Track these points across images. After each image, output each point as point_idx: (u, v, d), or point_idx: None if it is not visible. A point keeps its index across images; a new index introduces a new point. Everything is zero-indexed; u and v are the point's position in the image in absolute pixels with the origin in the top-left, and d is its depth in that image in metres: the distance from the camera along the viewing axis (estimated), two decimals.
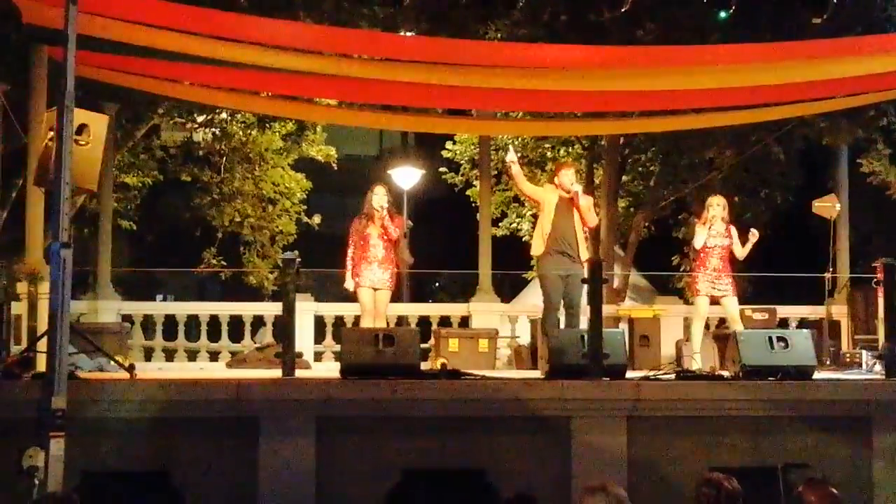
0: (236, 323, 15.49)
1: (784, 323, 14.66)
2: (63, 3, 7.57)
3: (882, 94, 12.41)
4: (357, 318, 14.75)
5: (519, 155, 20.37)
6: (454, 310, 16.08)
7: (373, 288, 10.84)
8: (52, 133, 8.13)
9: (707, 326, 12.85)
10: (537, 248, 10.79)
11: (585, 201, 10.74)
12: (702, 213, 11.41)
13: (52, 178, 7.62)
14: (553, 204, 10.69)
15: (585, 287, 9.42)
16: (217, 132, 20.00)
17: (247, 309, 15.74)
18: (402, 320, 15.07)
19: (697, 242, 11.08)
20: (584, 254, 10.62)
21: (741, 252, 11.06)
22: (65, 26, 7.50)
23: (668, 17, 14.39)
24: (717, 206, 11.10)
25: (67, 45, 7.45)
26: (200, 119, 19.53)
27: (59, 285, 7.23)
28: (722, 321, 13.30)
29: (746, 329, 10.72)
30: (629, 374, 9.42)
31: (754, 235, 11.00)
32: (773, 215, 19.51)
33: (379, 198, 10.86)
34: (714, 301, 11.07)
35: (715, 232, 11.05)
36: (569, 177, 10.77)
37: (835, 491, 6.19)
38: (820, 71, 10.72)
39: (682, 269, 19.31)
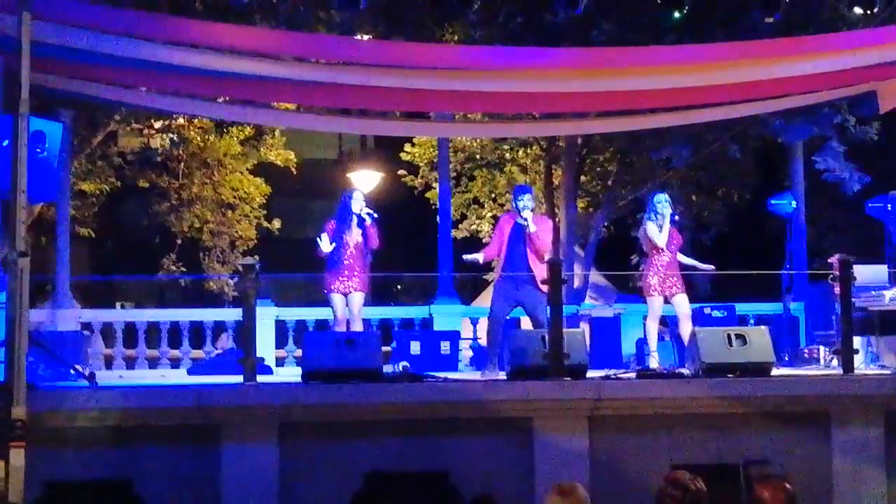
0: (197, 329, 15.43)
1: (742, 320, 14.78)
2: (16, 10, 7.53)
3: (835, 91, 12.53)
4: (319, 322, 14.86)
5: (477, 156, 20.55)
6: (416, 312, 16.11)
7: (344, 293, 10.86)
8: (6, 142, 8.07)
9: (666, 324, 12.93)
10: (496, 272, 10.95)
11: (535, 227, 10.57)
12: (648, 211, 11.38)
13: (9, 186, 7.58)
14: (507, 230, 10.72)
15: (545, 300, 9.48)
16: (175, 138, 19.91)
17: (207, 315, 15.69)
18: (363, 323, 15.07)
19: (661, 241, 11.07)
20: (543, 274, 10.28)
21: (684, 259, 11.22)
22: (19, 33, 7.46)
23: (622, 17, 14.47)
24: (666, 204, 11.12)
25: (21, 53, 7.41)
26: (158, 125, 19.45)
27: (16, 295, 7.19)
28: None
29: (704, 327, 10.82)
30: (590, 373, 9.47)
31: (707, 267, 11.19)
32: (731, 213, 19.67)
33: (359, 204, 10.89)
34: (667, 300, 11.13)
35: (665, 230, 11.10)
36: (523, 202, 10.66)
37: (788, 486, 6.25)
38: (773, 70, 10.82)
39: (640, 268, 19.40)
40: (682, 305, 11.12)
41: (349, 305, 10.90)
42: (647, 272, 11.24)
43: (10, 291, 7.28)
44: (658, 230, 11.05)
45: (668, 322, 12.95)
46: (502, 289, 10.71)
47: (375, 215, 10.92)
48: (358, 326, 10.91)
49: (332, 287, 10.86)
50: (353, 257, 10.84)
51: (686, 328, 10.84)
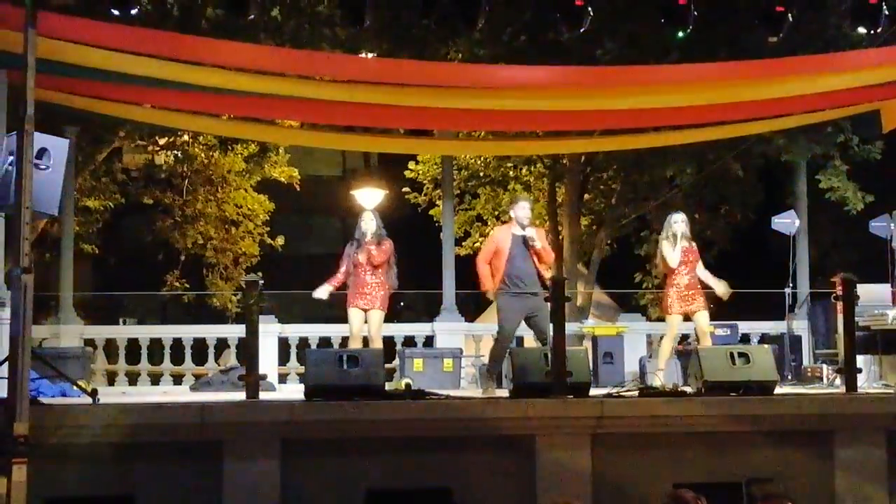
0: (200, 346, 15.42)
1: (746, 338, 14.76)
2: (21, 27, 7.56)
3: (839, 110, 12.58)
4: (322, 340, 14.86)
5: (481, 174, 20.56)
6: (418, 329, 16.09)
7: (363, 309, 10.90)
8: (11, 157, 8.10)
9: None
10: (490, 284, 10.70)
11: (539, 241, 10.61)
12: (662, 230, 11.36)
13: (13, 202, 7.60)
14: (508, 242, 10.59)
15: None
16: (179, 154, 19.92)
17: (210, 331, 15.68)
18: (366, 341, 15.05)
19: (673, 262, 10.99)
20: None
21: (703, 273, 11.07)
22: (24, 50, 7.49)
23: (626, 36, 14.50)
24: (681, 223, 11.04)
25: (27, 70, 7.44)
26: (162, 142, 19.46)
27: (20, 310, 7.20)
28: (684, 337, 13.38)
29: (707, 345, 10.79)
30: (593, 391, 9.46)
31: (722, 289, 11.07)
32: (734, 232, 19.64)
33: (365, 223, 10.98)
34: (687, 318, 11.05)
35: (682, 248, 11.02)
36: (524, 210, 10.66)
37: None
38: (777, 89, 10.85)
39: (644, 286, 19.41)
40: (701, 322, 11.01)
41: (368, 323, 10.94)
42: (667, 291, 11.13)
43: (13, 307, 7.29)
44: (671, 250, 10.96)
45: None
46: (511, 304, 10.58)
47: (370, 230, 10.91)
48: (377, 344, 10.88)
49: (350, 302, 10.94)
50: (369, 274, 10.86)
51: (705, 346, 10.71)
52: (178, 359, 15.41)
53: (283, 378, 14.88)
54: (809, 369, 12.89)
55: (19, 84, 7.60)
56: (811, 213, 17.12)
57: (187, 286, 20.40)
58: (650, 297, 19.46)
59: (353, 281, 10.95)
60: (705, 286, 11.07)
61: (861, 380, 9.94)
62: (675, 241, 10.96)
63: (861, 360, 10.53)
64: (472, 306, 19.86)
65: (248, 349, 9.23)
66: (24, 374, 7.15)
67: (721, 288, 11.08)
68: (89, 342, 14.76)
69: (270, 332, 14.34)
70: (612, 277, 20.27)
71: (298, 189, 21.62)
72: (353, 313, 10.94)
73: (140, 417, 8.29)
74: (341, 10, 10.34)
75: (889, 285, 12.74)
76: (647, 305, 19.93)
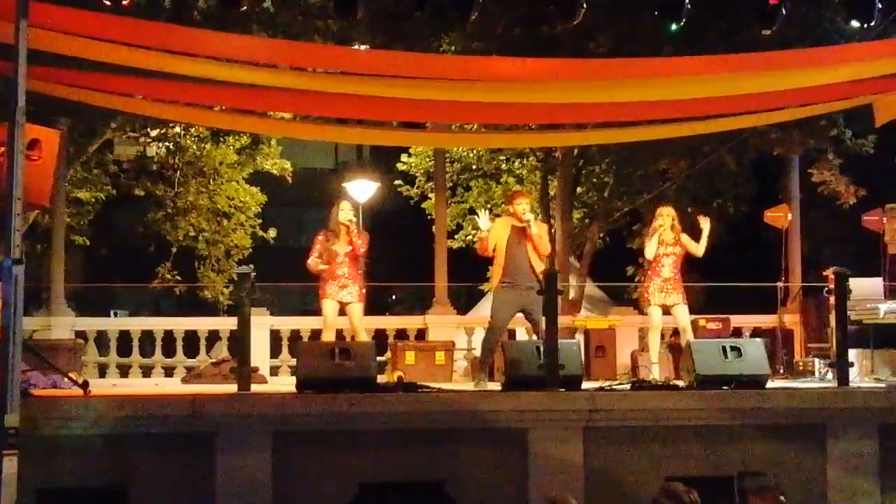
0: (191, 338, 15.39)
1: (738, 332, 14.78)
2: (13, 17, 7.52)
3: (832, 104, 12.56)
4: (314, 332, 14.82)
5: (473, 167, 20.54)
6: (410, 322, 16.07)
7: (341, 302, 10.85)
8: (2, 148, 8.06)
9: (662, 336, 12.95)
10: (494, 279, 10.93)
11: (538, 229, 10.74)
12: (650, 224, 11.53)
13: (4, 193, 7.57)
14: (506, 236, 10.74)
15: None
16: (171, 146, 19.88)
17: (202, 324, 15.65)
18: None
19: (648, 253, 11.21)
20: None
21: (700, 248, 11.14)
22: (15, 41, 7.45)
23: (620, 29, 14.48)
24: (665, 217, 11.20)
25: (18, 60, 7.40)
26: (154, 133, 19.40)
27: (11, 302, 7.17)
28: (676, 331, 13.39)
29: (700, 338, 10.83)
30: (585, 384, 9.48)
31: (705, 221, 11.14)
32: (726, 225, 19.65)
33: (345, 213, 10.92)
34: (666, 311, 11.14)
35: (664, 242, 11.13)
36: (522, 206, 10.81)
37: (782, 498, 6.29)
38: (771, 82, 10.83)
39: (636, 280, 19.40)
40: (680, 317, 11.13)
41: (349, 316, 10.89)
42: (647, 283, 11.29)
43: (4, 299, 7.27)
44: (649, 242, 11.15)
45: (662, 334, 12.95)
46: (505, 296, 10.69)
47: (354, 220, 10.92)
48: (362, 337, 10.88)
49: (327, 294, 10.85)
50: (347, 266, 10.84)
51: (684, 340, 10.84)
52: (169, 351, 15.37)
53: (274, 371, 14.86)
54: (801, 363, 12.92)
55: (10, 75, 7.56)
56: (804, 207, 17.13)
57: (179, 278, 20.36)
58: (640, 291, 19.47)
59: (327, 272, 10.85)
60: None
61: (853, 374, 9.98)
62: (655, 233, 11.08)
63: (853, 354, 10.57)
64: (464, 299, 19.87)
65: (240, 341, 9.20)
66: (15, 366, 7.13)
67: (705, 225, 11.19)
68: (80, 334, 14.71)
69: (262, 324, 14.32)
70: (604, 271, 20.27)
71: (290, 181, 21.58)
72: (329, 305, 10.86)
73: (132, 409, 8.28)
74: (334, 2, 10.29)
75: (881, 279, 12.76)
76: (639, 299, 19.94)
